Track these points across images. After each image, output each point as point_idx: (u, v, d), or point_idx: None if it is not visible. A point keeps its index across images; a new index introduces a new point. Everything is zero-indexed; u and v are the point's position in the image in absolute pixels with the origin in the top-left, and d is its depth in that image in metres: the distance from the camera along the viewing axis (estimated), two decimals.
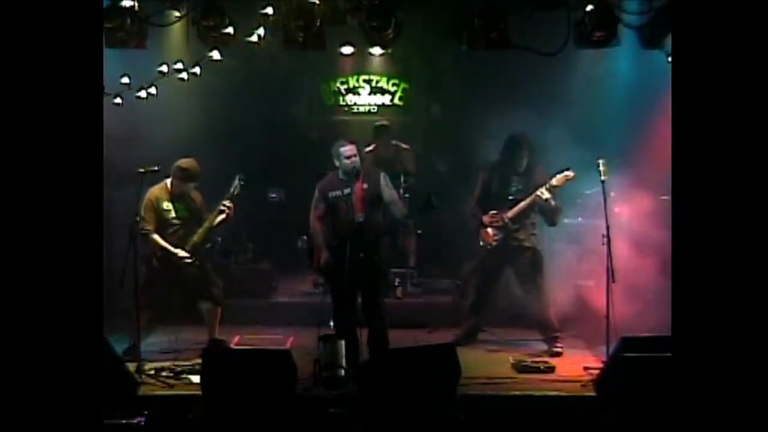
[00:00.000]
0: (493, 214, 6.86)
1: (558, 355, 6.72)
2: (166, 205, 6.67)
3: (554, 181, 6.64)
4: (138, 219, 6.42)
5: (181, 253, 6.61)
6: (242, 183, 6.61)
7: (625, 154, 7.05)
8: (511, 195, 6.85)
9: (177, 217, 6.70)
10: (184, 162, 6.64)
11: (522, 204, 6.78)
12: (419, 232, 8.34)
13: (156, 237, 6.60)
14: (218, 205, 6.62)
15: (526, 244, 6.87)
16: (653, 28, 6.32)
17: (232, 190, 6.60)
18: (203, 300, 6.84)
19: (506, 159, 6.88)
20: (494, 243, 6.89)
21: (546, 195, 6.62)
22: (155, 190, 6.67)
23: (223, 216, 6.64)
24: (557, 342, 6.84)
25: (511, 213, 6.81)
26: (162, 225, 6.65)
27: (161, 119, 7.70)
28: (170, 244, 6.62)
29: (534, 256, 6.88)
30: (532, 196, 6.70)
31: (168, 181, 6.69)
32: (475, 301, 7.16)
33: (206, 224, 6.69)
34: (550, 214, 6.78)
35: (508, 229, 6.84)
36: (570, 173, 6.62)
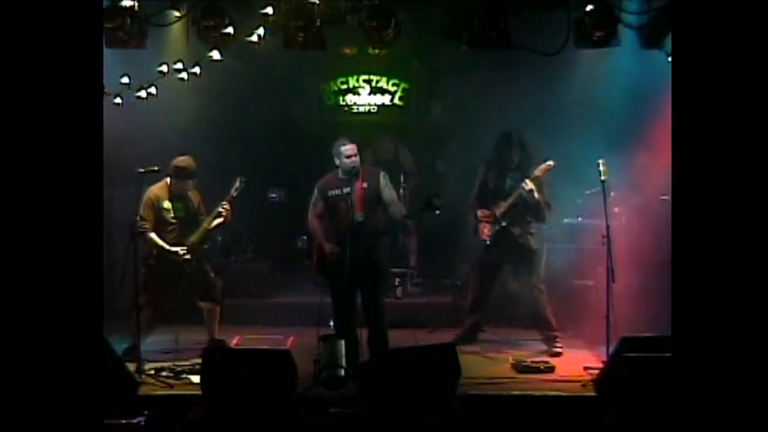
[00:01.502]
0: (486, 210, 6.89)
1: (558, 354, 6.72)
2: (166, 204, 6.68)
3: (537, 172, 6.65)
4: (138, 216, 6.43)
5: (179, 251, 6.60)
6: (243, 184, 6.61)
7: (625, 154, 7.05)
8: (505, 190, 6.87)
9: (175, 217, 6.70)
10: (180, 160, 6.64)
11: (510, 199, 6.79)
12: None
13: (152, 235, 6.60)
14: (217, 207, 6.63)
15: (521, 241, 6.86)
16: (653, 28, 6.32)
17: (232, 191, 6.60)
18: (202, 300, 6.84)
19: (498, 154, 6.93)
20: (488, 239, 6.90)
21: (529, 186, 6.63)
22: (155, 189, 6.67)
23: (220, 219, 6.65)
24: (556, 341, 6.84)
25: (501, 208, 6.83)
26: (160, 224, 6.65)
27: (161, 119, 7.69)
28: (167, 243, 6.63)
29: (528, 255, 6.87)
30: (518, 190, 6.71)
31: (167, 180, 6.69)
32: (475, 299, 7.17)
33: (203, 226, 6.70)
34: (534, 209, 6.76)
35: (500, 224, 6.85)
36: (551, 162, 6.65)
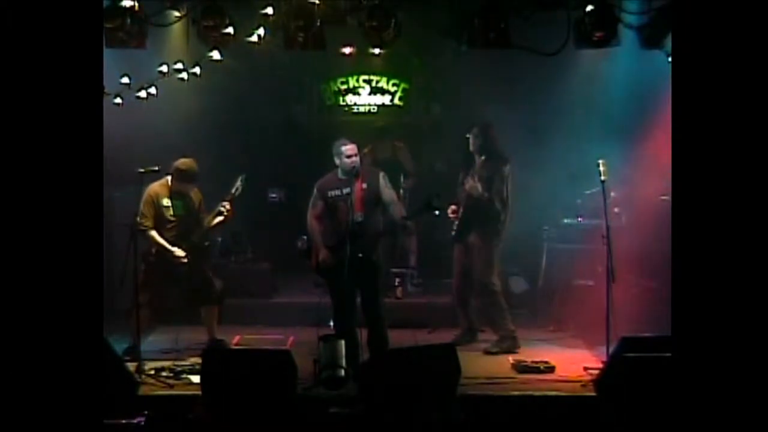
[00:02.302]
0: (456, 207, 6.97)
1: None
2: (166, 201, 6.68)
3: (477, 167, 6.76)
4: (138, 216, 6.43)
5: (177, 252, 6.61)
6: (244, 182, 6.62)
7: (625, 154, 7.05)
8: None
9: (175, 215, 6.70)
10: (182, 163, 6.63)
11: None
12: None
13: (153, 233, 6.59)
14: (218, 205, 6.63)
15: (475, 238, 6.90)
16: (653, 28, 6.32)
17: (233, 190, 6.61)
18: (201, 300, 6.84)
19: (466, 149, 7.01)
20: (453, 232, 6.99)
21: (470, 182, 6.72)
22: (155, 186, 6.67)
23: (221, 218, 6.66)
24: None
25: (464, 203, 6.89)
26: (160, 221, 6.66)
27: (161, 119, 7.69)
28: (167, 241, 6.62)
29: (480, 249, 6.89)
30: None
31: (168, 178, 6.70)
32: (458, 298, 7.20)
33: (204, 224, 6.70)
34: (485, 204, 6.78)
35: (463, 217, 6.92)
36: (482, 157, 6.74)
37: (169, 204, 6.69)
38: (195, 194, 6.80)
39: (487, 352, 6.81)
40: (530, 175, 7.29)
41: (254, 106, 9.10)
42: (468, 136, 6.90)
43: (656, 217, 6.77)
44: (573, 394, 5.72)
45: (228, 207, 6.61)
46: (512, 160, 6.87)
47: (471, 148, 6.90)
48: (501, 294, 6.97)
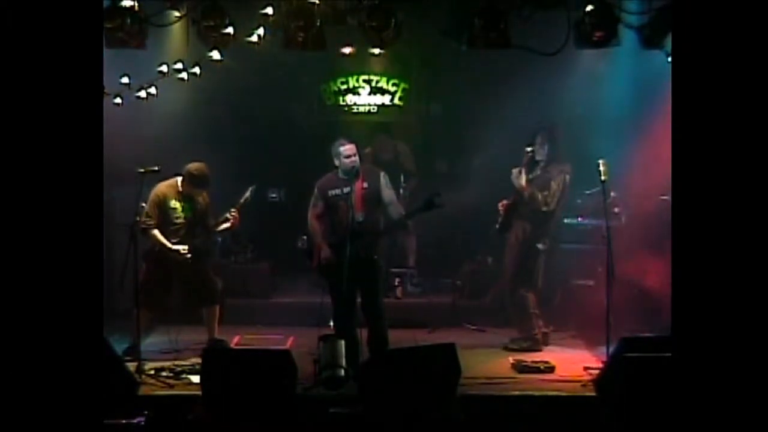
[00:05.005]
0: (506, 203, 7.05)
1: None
2: (173, 204, 6.67)
3: None
4: (138, 216, 6.42)
5: (180, 248, 6.60)
6: (253, 194, 6.63)
7: (625, 154, 7.05)
8: None
9: (181, 218, 6.69)
10: (195, 168, 6.61)
11: None
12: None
13: (155, 232, 6.59)
14: (225, 213, 6.65)
15: (515, 238, 7.02)
16: (653, 28, 6.32)
17: (242, 200, 6.62)
18: (202, 300, 6.84)
19: None
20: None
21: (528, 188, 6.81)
22: (163, 187, 6.67)
23: (227, 225, 6.67)
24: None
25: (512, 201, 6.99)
26: (165, 222, 6.65)
27: (161, 119, 7.69)
28: (170, 241, 6.62)
29: (520, 250, 7.01)
30: None
31: (179, 180, 6.68)
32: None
33: (209, 227, 6.70)
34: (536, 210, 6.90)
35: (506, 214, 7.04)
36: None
37: (177, 206, 6.68)
38: (203, 198, 6.79)
39: (507, 348, 6.83)
40: None
41: (254, 106, 9.09)
42: (528, 150, 6.80)
43: (656, 217, 6.77)
44: (573, 394, 5.72)
45: (235, 214, 6.62)
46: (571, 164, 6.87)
47: (537, 157, 6.81)
48: (532, 299, 6.90)
